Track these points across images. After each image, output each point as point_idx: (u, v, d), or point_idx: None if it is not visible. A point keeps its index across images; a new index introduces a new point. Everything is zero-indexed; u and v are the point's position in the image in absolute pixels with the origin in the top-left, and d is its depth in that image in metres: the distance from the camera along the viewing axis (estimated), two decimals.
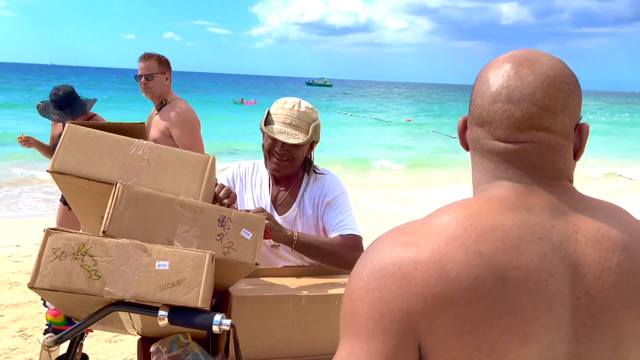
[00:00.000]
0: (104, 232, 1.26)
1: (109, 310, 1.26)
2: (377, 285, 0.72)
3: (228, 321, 1.23)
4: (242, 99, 40.06)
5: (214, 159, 1.40)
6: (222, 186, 1.57)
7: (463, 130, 0.86)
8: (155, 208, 1.30)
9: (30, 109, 5.87)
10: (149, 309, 1.26)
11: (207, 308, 1.25)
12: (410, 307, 0.69)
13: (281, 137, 1.93)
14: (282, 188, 2.10)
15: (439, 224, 0.73)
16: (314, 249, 1.88)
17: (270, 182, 2.11)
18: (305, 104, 2.02)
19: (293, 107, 1.98)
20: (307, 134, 1.95)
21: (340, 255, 1.88)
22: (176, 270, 1.23)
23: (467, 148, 0.86)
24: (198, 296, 1.23)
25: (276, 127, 1.95)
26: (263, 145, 2.04)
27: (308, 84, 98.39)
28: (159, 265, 1.23)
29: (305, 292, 1.62)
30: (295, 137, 1.94)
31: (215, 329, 1.22)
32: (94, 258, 1.21)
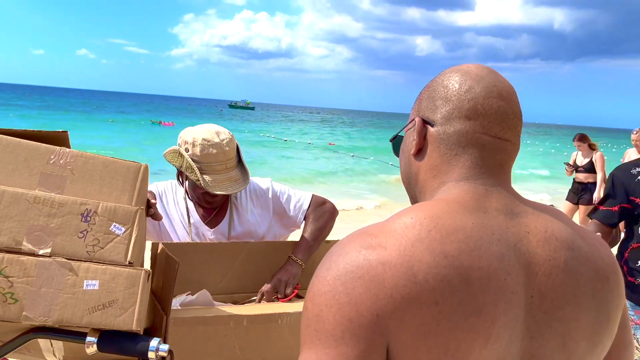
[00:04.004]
0: None
1: (27, 338, 1.11)
2: (344, 288, 0.69)
3: (166, 346, 1.11)
4: (161, 121, 39.10)
5: (146, 168, 1.28)
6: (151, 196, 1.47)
7: (422, 128, 0.85)
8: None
9: None
10: (74, 335, 1.11)
11: (142, 332, 1.13)
12: (380, 309, 0.67)
13: (227, 191, 1.84)
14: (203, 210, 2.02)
15: (403, 227, 0.72)
16: (316, 246, 1.97)
17: (194, 205, 2.03)
18: (224, 137, 1.88)
19: (218, 151, 1.84)
20: (244, 173, 1.92)
21: (324, 222, 2.00)
22: (107, 290, 1.10)
23: (419, 150, 0.85)
24: (133, 318, 1.10)
25: (211, 177, 1.83)
26: (188, 185, 1.95)
27: (231, 106, 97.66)
28: (87, 285, 1.09)
29: (246, 312, 1.52)
30: (239, 184, 1.88)
31: (151, 355, 1.10)
32: (10, 279, 1.05)
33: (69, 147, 1.33)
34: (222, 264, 1.83)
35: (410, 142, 0.87)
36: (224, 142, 1.87)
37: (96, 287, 1.10)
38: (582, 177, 7.57)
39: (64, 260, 1.10)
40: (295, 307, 1.61)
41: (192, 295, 1.71)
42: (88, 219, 1.15)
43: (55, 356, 1.34)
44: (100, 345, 1.09)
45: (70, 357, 1.33)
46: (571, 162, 7.70)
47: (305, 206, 2.04)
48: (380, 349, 0.67)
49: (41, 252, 1.10)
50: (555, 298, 0.75)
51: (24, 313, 1.05)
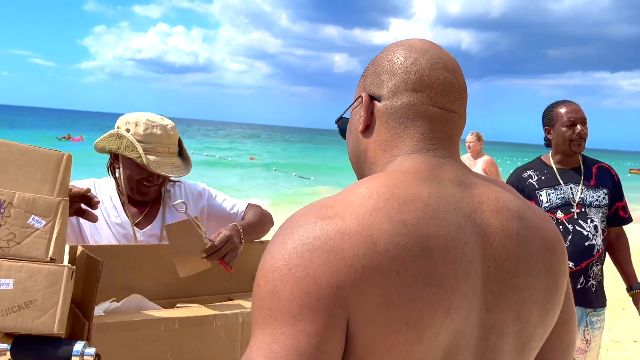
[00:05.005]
0: None
1: None
2: (300, 261, 0.65)
3: (92, 350, 1.01)
4: (69, 135, 37.04)
5: (69, 157, 1.17)
6: (86, 190, 1.34)
7: (369, 104, 0.83)
8: None
9: None
10: None
11: (64, 335, 1.02)
12: (340, 280, 0.63)
13: (170, 174, 1.75)
14: (139, 204, 1.89)
15: (359, 197, 0.70)
16: (253, 233, 1.85)
17: (122, 200, 1.89)
18: (168, 123, 1.83)
19: (162, 133, 1.78)
20: (186, 163, 1.84)
21: (264, 222, 1.93)
22: (24, 289, 0.98)
23: (366, 126, 0.84)
24: (54, 320, 0.99)
25: (155, 160, 1.74)
26: (122, 173, 1.82)
27: None
28: (0, 285, 0.97)
29: (178, 314, 1.43)
30: (180, 170, 1.79)
31: None
32: None
33: None
34: (152, 267, 1.71)
35: (357, 119, 0.86)
36: (168, 127, 1.81)
37: (10, 287, 0.97)
38: None
39: None
40: (231, 308, 1.53)
41: (118, 302, 1.58)
42: (2, 210, 1.02)
43: None
44: (15, 353, 0.97)
45: None
46: None
47: (243, 207, 2.00)
48: (340, 324, 0.64)
49: None
50: (510, 267, 0.75)
51: None
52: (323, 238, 0.65)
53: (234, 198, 2.05)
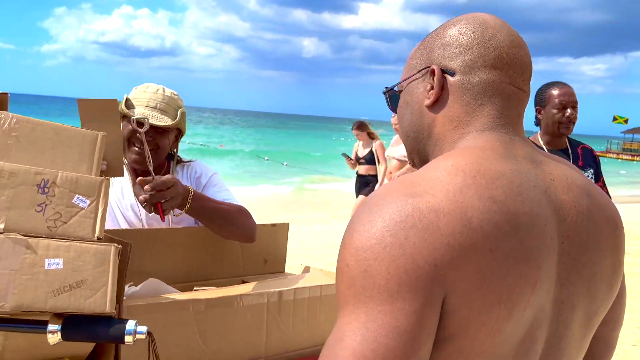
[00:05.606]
0: None
1: None
2: (395, 239, 0.63)
3: (144, 328, 1.00)
4: None
5: (103, 136, 1.15)
6: None
7: (441, 78, 0.81)
8: None
9: None
10: (29, 325, 0.97)
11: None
12: (437, 259, 0.63)
13: (151, 120, 1.71)
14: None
15: (445, 174, 0.69)
16: (211, 210, 1.68)
17: (131, 180, 1.86)
18: (169, 90, 1.84)
19: (157, 90, 1.80)
20: (175, 119, 1.78)
21: (236, 219, 1.73)
22: (73, 269, 0.97)
23: (435, 101, 0.81)
24: (105, 299, 0.98)
25: (138, 110, 1.74)
26: (125, 143, 1.79)
27: None
28: (49, 264, 0.95)
29: (203, 296, 1.43)
30: (161, 120, 1.74)
31: (128, 339, 0.98)
32: None
33: (7, 110, 1.15)
34: (166, 251, 1.69)
35: (420, 92, 0.83)
36: (165, 89, 1.81)
37: (60, 267, 0.96)
38: (363, 169, 6.64)
39: (19, 236, 0.95)
40: (255, 287, 1.53)
41: (136, 286, 1.57)
42: (46, 190, 1.00)
43: None
44: (65, 333, 0.96)
45: (9, 358, 1.15)
46: (353, 154, 6.78)
47: (235, 202, 1.87)
48: (437, 302, 0.63)
49: None
50: (581, 244, 0.76)
51: None
52: (416, 216, 0.64)
53: (230, 195, 1.91)
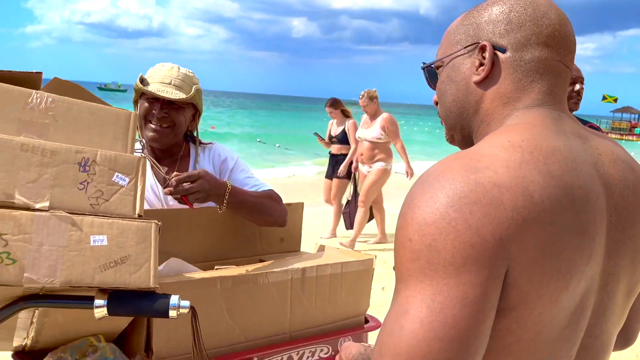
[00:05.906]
0: None
1: (18, 307, 0.96)
2: (459, 214, 0.65)
3: (187, 302, 1.03)
4: None
5: (135, 115, 1.16)
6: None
7: (492, 54, 0.80)
8: None
9: None
10: (76, 300, 0.99)
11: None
12: (502, 233, 0.65)
13: (160, 94, 1.73)
14: (167, 167, 1.87)
15: (503, 150, 0.70)
16: (249, 204, 1.71)
17: (149, 161, 1.87)
18: (184, 68, 1.86)
19: (172, 68, 1.82)
20: (188, 93, 1.79)
21: (270, 208, 1.76)
22: (117, 245, 0.99)
23: (485, 77, 0.81)
24: (149, 274, 1.00)
25: (153, 86, 1.76)
26: (139, 114, 1.81)
27: (100, 89, 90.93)
28: (94, 241, 0.97)
29: (229, 274, 1.45)
30: (175, 95, 1.76)
31: (172, 313, 1.01)
32: (4, 237, 0.90)
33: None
34: (187, 231, 1.71)
35: (467, 68, 0.83)
36: (182, 69, 1.83)
37: (105, 243, 0.98)
38: (335, 149, 6.31)
39: (64, 214, 0.97)
40: (276, 265, 1.56)
41: (158, 266, 1.59)
42: (87, 168, 1.01)
43: (26, 336, 1.18)
44: (111, 308, 0.98)
45: (46, 334, 1.18)
46: (327, 133, 6.47)
47: (265, 188, 1.89)
48: (500, 275, 0.65)
49: (38, 205, 0.95)
50: (628, 217, 0.78)
51: (25, 275, 0.90)
52: (480, 191, 0.65)
53: (258, 179, 1.95)
